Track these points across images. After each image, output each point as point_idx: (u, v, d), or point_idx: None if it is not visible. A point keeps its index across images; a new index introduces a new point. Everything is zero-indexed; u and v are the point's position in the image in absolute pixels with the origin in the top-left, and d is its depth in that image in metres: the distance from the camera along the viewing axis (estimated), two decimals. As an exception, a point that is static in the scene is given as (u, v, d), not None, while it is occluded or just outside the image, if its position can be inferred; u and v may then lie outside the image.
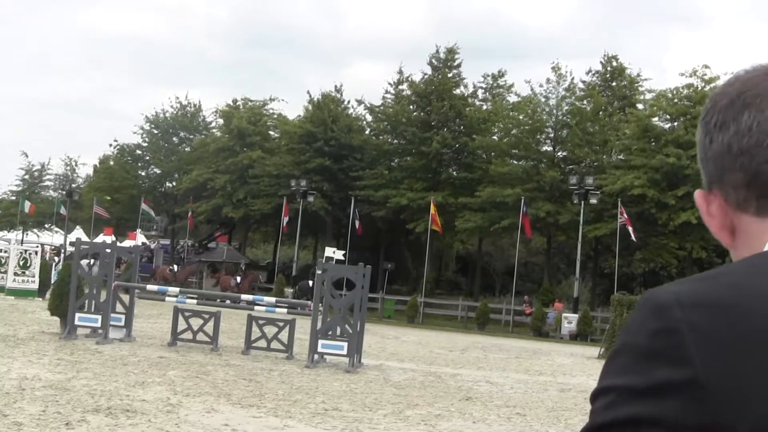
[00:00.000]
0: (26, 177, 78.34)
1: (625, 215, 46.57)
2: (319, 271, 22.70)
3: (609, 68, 59.54)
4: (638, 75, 59.45)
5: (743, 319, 1.03)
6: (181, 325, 23.39)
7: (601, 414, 1.11)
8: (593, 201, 47.61)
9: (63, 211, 68.24)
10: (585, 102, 56.29)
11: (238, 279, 55.07)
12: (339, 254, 25.61)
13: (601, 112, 55.97)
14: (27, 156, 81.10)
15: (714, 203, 1.34)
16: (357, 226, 54.53)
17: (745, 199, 1.29)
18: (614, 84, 59.57)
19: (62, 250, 60.72)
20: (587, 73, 60.12)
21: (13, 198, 76.94)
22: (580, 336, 42.57)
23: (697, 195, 1.37)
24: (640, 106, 56.60)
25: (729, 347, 1.02)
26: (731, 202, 1.31)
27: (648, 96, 56.87)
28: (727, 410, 0.99)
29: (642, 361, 1.08)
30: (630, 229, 46.56)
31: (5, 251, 39.96)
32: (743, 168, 1.27)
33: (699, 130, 1.37)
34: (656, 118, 52.57)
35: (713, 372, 1.01)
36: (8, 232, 71.94)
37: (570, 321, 44.13)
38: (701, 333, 1.04)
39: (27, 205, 68.83)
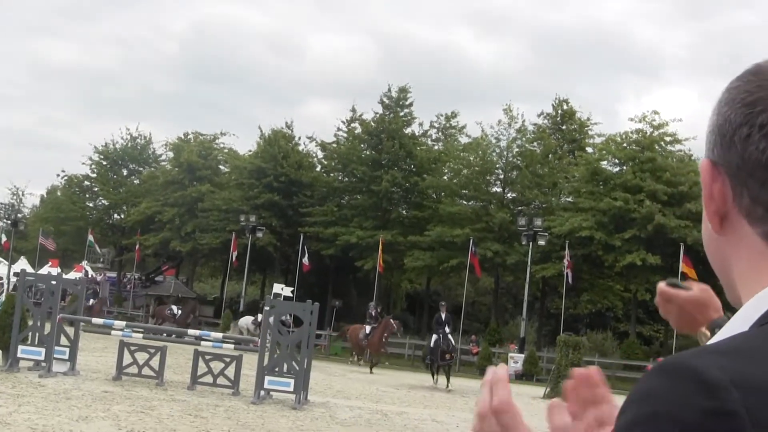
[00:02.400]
0: (-30, 206, 77.67)
1: (568, 259, 46.92)
2: (267, 308, 22.61)
3: (560, 111, 60.20)
4: (588, 119, 60.29)
5: None
6: (127, 359, 23.15)
7: None
8: (541, 242, 47.92)
9: (4, 239, 67.47)
10: (535, 144, 56.76)
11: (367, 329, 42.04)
12: (287, 291, 25.57)
13: (550, 155, 56.48)
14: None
15: (719, 183, 1.24)
16: (305, 263, 54.37)
17: (760, 218, 1.19)
18: (564, 127, 60.21)
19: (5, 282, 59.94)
20: (538, 116, 60.83)
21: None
22: (526, 376, 42.69)
23: (705, 165, 1.26)
24: (589, 149, 57.30)
25: None
26: (739, 204, 1.21)
27: (597, 140, 57.63)
28: None
29: None
30: (568, 272, 46.92)
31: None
32: None
33: (729, 105, 1.22)
34: (605, 162, 53.17)
35: None
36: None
37: (516, 361, 44.23)
38: (760, 421, 0.94)
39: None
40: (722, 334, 1.15)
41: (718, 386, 0.97)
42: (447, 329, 33.65)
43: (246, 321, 48.45)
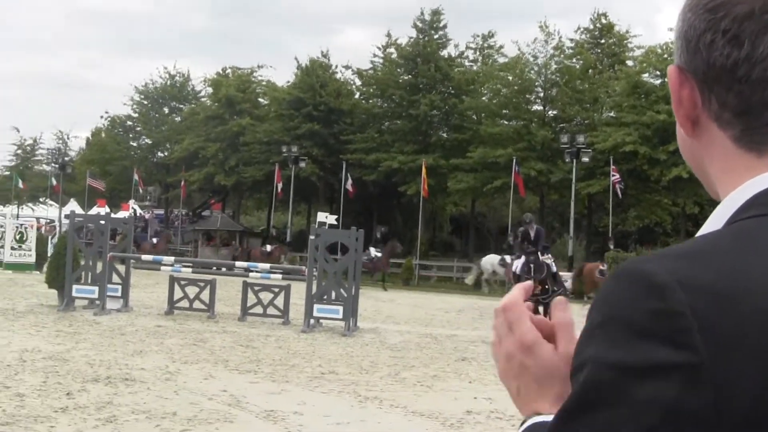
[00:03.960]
0: (18, 152, 77.91)
1: (617, 175, 46.65)
2: (312, 237, 22.77)
3: (598, 25, 59.41)
4: (627, 32, 59.42)
5: (746, 312, 0.99)
6: (178, 293, 23.48)
7: (593, 390, 1.04)
8: (585, 159, 47.59)
9: (54, 182, 68.09)
10: (574, 60, 56.25)
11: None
12: (332, 219, 25.66)
13: (590, 70, 55.95)
14: (18, 131, 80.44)
15: (686, 88, 1.26)
16: (350, 188, 54.50)
17: (728, 122, 1.22)
18: (603, 42, 59.47)
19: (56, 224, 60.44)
20: (576, 31, 60.03)
21: (7, 173, 76.61)
22: (575, 294, 42.71)
23: (672, 71, 1.28)
24: (629, 62, 56.65)
25: (731, 339, 0.98)
26: (708, 109, 1.24)
27: (637, 53, 56.95)
28: (724, 400, 0.97)
29: (639, 340, 1.01)
30: (618, 187, 46.64)
31: (1, 226, 39.94)
32: (741, 96, 1.18)
33: (693, 11, 1.25)
34: (646, 75, 52.61)
35: (715, 361, 0.97)
36: (3, 207, 71.84)
37: (565, 279, 44.21)
38: (704, 321, 0.98)
39: (21, 181, 68.46)
40: (699, 234, 1.21)
41: (665, 288, 1.02)
42: (538, 249, 25.19)
43: (491, 260, 44.07)
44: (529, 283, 1.45)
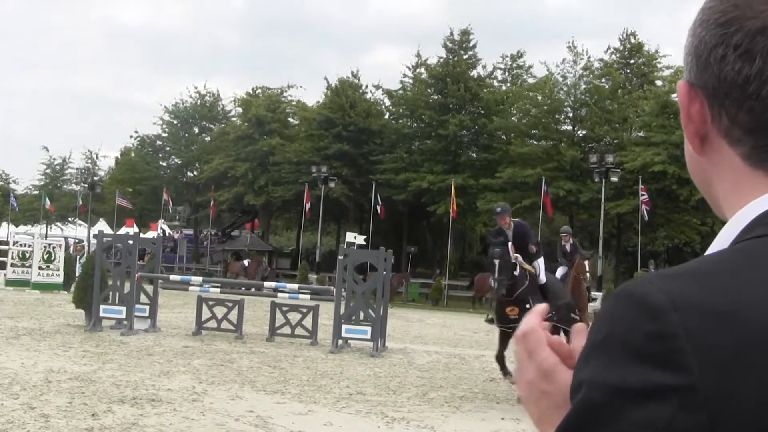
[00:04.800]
0: (48, 171, 78.11)
1: (645, 195, 46.41)
2: (341, 257, 22.70)
3: (627, 45, 59.25)
4: (656, 52, 59.22)
5: (741, 330, 0.99)
6: (206, 314, 23.46)
7: (588, 411, 1.04)
8: (614, 179, 47.47)
9: (80, 203, 68.34)
10: (603, 80, 56.13)
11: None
12: (360, 239, 25.60)
13: (619, 90, 55.78)
14: (48, 150, 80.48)
15: (696, 104, 1.25)
16: (379, 210, 54.49)
17: (738, 140, 1.21)
18: (632, 62, 59.31)
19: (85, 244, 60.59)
20: (606, 51, 59.91)
21: (36, 192, 76.87)
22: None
23: (682, 87, 1.26)
24: (658, 82, 56.45)
25: (726, 358, 0.98)
26: (718, 126, 1.23)
27: (666, 72, 56.77)
28: (718, 420, 0.97)
29: (633, 362, 1.01)
30: (645, 209, 46.39)
31: (29, 246, 40.06)
32: (752, 113, 1.17)
33: (704, 26, 1.22)
34: (675, 95, 52.36)
35: (709, 381, 0.97)
36: (32, 226, 72.17)
37: (594, 299, 43.99)
38: (698, 341, 0.99)
39: (48, 201, 68.67)
40: (704, 255, 1.19)
41: (659, 309, 1.01)
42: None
43: None
44: (544, 305, 1.41)
